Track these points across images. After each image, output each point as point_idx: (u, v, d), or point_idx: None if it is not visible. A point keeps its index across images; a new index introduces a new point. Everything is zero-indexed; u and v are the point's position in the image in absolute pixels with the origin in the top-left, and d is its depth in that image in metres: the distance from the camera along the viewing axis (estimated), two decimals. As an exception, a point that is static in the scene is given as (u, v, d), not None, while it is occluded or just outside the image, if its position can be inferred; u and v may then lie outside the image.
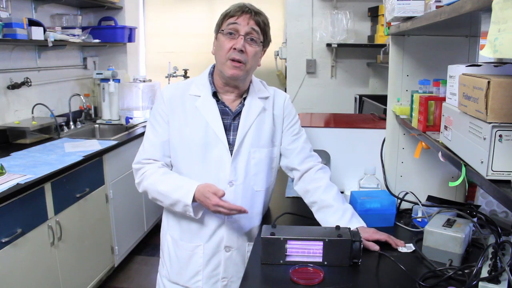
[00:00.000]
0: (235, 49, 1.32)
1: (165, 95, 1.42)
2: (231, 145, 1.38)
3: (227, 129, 1.39)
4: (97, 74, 3.54)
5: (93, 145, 2.72)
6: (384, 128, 1.70)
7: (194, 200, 1.31)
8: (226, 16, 1.35)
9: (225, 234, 1.41)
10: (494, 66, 0.93)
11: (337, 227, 1.23)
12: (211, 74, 1.45)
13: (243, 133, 1.39)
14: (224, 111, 1.41)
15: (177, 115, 1.40)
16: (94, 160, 2.57)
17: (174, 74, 3.86)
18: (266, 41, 1.40)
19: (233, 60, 1.32)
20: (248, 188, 1.40)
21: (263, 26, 1.36)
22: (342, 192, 1.46)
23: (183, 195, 1.32)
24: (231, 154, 1.38)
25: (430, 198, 1.50)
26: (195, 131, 1.38)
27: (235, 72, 1.34)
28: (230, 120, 1.41)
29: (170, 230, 1.48)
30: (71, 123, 3.25)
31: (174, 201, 1.34)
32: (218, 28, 1.38)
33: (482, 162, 0.82)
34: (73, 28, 3.30)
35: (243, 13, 1.33)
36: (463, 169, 0.91)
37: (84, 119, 3.50)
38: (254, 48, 1.35)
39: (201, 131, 1.37)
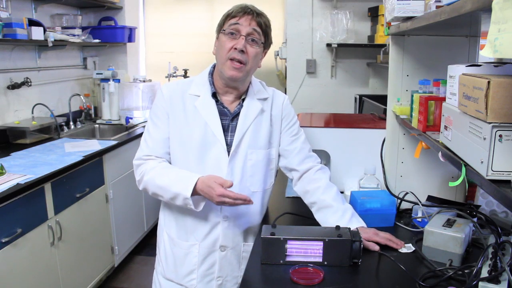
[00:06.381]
0: (235, 49, 1.32)
1: (165, 92, 1.42)
2: (228, 145, 1.39)
3: (225, 129, 1.39)
4: (97, 74, 3.53)
5: (93, 145, 2.72)
6: (384, 128, 1.70)
7: (195, 193, 1.30)
8: (228, 16, 1.36)
9: (220, 233, 1.41)
10: (494, 66, 0.93)
11: (337, 227, 1.23)
12: (211, 74, 1.45)
13: (241, 134, 1.39)
14: (222, 112, 1.41)
15: (176, 113, 1.40)
16: (94, 160, 2.57)
17: (174, 74, 3.86)
18: (267, 42, 1.40)
19: (233, 59, 1.33)
20: (244, 189, 1.40)
21: (265, 28, 1.36)
22: (342, 192, 1.47)
23: (183, 188, 1.30)
24: (229, 155, 1.38)
25: (430, 198, 1.50)
26: (194, 130, 1.38)
27: (234, 74, 1.34)
28: (229, 121, 1.41)
29: (166, 228, 1.48)
30: (71, 123, 3.25)
31: (173, 195, 1.33)
32: (220, 28, 1.38)
33: (482, 162, 0.82)
34: (73, 28, 3.30)
35: (245, 14, 1.33)
36: (463, 169, 0.91)
37: (84, 119, 3.50)
38: (255, 49, 1.35)
39: (199, 131, 1.37)
